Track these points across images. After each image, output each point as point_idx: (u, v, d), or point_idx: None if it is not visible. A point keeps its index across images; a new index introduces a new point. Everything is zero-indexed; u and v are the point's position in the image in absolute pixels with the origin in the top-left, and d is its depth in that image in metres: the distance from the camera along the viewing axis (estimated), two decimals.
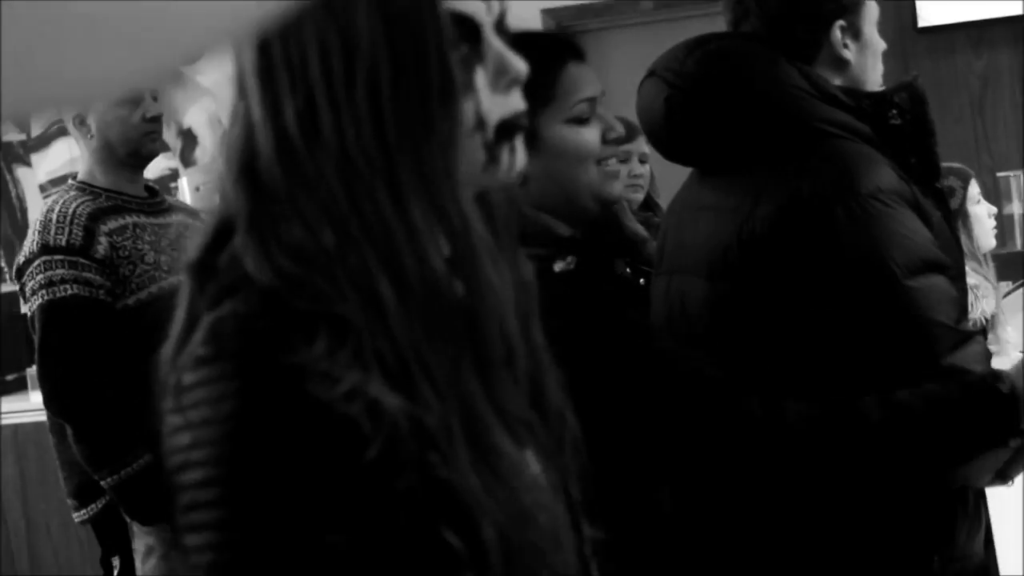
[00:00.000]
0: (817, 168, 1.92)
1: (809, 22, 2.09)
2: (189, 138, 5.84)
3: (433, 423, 1.00)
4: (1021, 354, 2.41)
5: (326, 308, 1.00)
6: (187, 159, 5.82)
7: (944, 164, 2.17)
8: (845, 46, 2.11)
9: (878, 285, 1.82)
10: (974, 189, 3.49)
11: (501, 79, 1.13)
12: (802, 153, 1.94)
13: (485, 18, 1.13)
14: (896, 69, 2.74)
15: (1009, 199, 4.18)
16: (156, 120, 3.25)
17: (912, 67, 4.45)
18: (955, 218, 2.24)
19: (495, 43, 1.13)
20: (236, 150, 1.09)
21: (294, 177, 1.05)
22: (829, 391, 1.74)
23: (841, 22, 2.10)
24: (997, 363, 2.06)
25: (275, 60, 1.07)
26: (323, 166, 1.04)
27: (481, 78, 1.11)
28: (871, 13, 2.14)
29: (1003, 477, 1.84)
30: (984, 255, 3.64)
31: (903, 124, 2.07)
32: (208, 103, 5.76)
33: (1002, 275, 3.70)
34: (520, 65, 1.13)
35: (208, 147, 5.73)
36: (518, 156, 1.14)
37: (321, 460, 0.97)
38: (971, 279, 2.74)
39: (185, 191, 4.87)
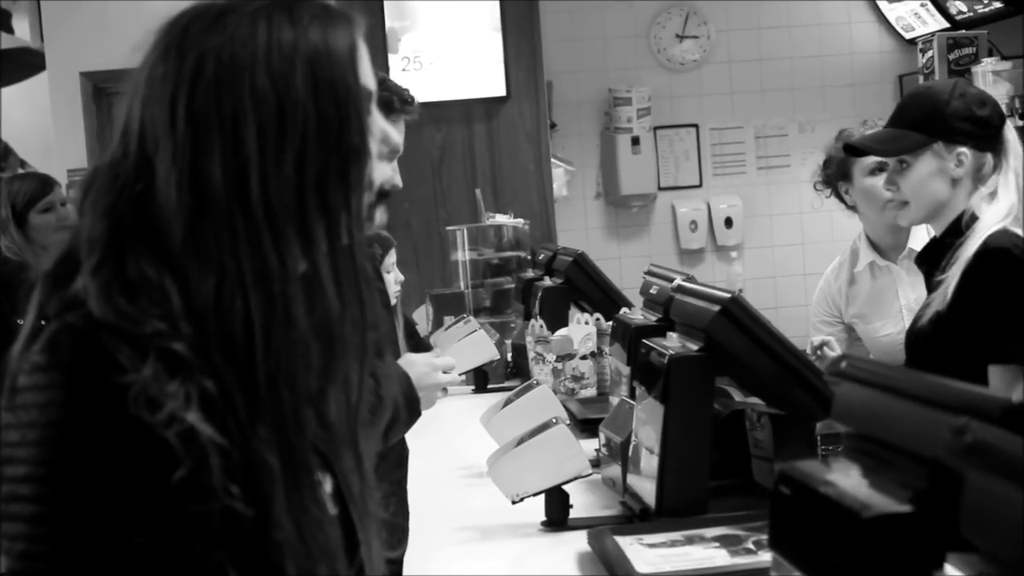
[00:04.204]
0: None
1: None
2: None
3: (244, 460, 0.93)
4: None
5: (160, 343, 0.92)
6: None
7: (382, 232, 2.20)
8: None
9: None
10: (391, 259, 3.33)
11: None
12: None
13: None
14: None
15: (455, 248, 4.29)
16: None
17: None
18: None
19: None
20: (111, 189, 0.98)
21: (202, 228, 0.95)
22: None
23: None
24: None
25: (202, 113, 0.96)
26: (237, 219, 0.95)
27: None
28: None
29: None
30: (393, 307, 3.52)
31: None
32: None
33: (447, 310, 3.77)
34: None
35: None
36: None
37: (132, 472, 0.90)
38: None
39: None
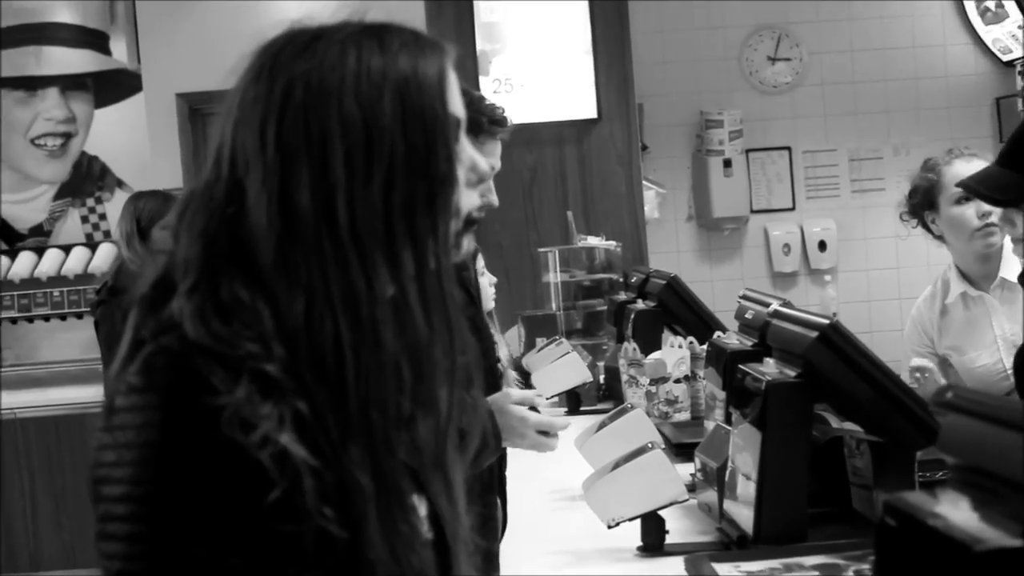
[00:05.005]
0: None
1: None
2: None
3: (336, 482, 0.93)
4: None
5: (253, 364, 0.93)
6: None
7: None
8: None
9: None
10: (479, 263, 3.35)
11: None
12: None
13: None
14: None
15: (547, 270, 4.31)
16: None
17: None
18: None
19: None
20: (205, 212, 0.99)
21: (290, 250, 0.96)
22: None
23: None
24: None
25: (291, 138, 0.97)
26: (325, 242, 0.96)
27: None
28: None
29: None
30: (488, 313, 3.54)
31: None
32: None
33: (539, 331, 3.79)
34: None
35: None
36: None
37: (227, 493, 0.90)
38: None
39: None
